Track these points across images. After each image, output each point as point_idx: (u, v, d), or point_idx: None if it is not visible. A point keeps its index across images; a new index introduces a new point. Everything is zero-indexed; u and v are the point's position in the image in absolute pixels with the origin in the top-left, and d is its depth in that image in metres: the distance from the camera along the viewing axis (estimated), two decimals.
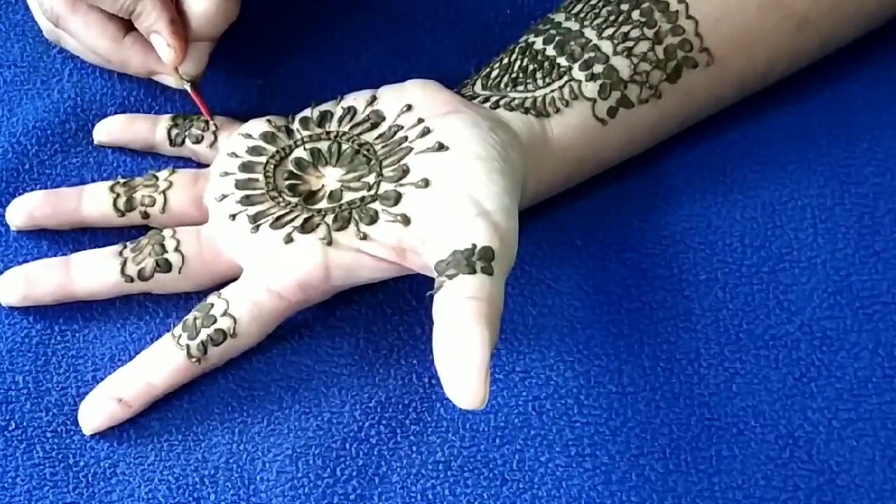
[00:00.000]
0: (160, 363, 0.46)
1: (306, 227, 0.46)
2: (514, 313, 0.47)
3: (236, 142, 0.50)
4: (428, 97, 0.48)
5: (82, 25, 0.50)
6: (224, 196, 0.48)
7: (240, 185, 0.48)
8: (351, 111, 0.49)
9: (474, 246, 0.43)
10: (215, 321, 0.46)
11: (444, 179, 0.45)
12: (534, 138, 0.48)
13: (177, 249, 0.47)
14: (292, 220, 0.47)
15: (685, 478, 0.45)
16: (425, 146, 0.47)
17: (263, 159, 0.49)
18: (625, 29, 0.49)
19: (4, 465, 0.45)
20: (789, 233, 0.50)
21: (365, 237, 0.46)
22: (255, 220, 0.47)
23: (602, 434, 0.46)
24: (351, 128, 0.49)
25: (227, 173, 0.49)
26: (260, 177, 0.48)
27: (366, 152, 0.48)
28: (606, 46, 0.49)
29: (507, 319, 0.47)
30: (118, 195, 0.49)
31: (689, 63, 0.49)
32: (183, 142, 0.51)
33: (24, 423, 0.46)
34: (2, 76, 0.54)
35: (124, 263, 0.47)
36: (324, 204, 0.47)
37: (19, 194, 0.51)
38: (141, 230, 0.49)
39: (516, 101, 0.48)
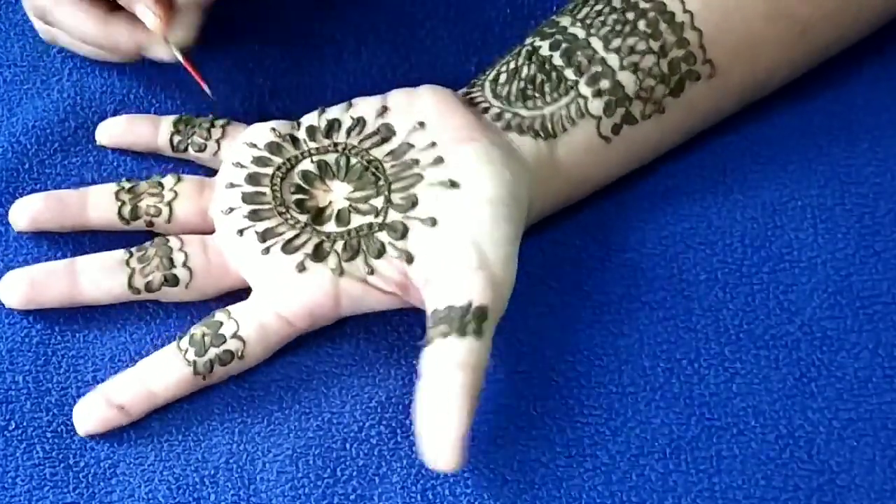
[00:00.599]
0: (164, 375, 0.46)
1: (318, 255, 0.46)
2: (515, 313, 0.47)
3: (241, 151, 0.49)
4: (443, 114, 0.48)
5: (68, 13, 0.50)
6: (231, 209, 0.48)
7: (247, 198, 0.48)
8: (360, 122, 0.49)
9: (470, 304, 0.45)
10: (224, 341, 0.46)
11: (452, 221, 0.46)
12: (541, 163, 0.48)
13: (185, 265, 0.47)
14: (303, 244, 0.47)
15: (685, 478, 0.45)
16: (436, 179, 0.47)
17: (270, 171, 0.48)
18: (631, 41, 0.49)
19: (4, 465, 0.45)
20: (789, 233, 0.50)
21: (372, 272, 0.46)
22: (264, 238, 0.47)
23: (602, 434, 0.46)
24: (360, 141, 0.49)
25: (233, 185, 0.48)
26: (267, 190, 0.48)
27: (374, 170, 0.48)
28: (613, 60, 0.48)
29: (508, 319, 0.46)
30: (123, 203, 0.49)
31: (693, 76, 0.49)
32: (186, 149, 0.51)
33: (25, 424, 0.46)
34: (1, 76, 0.54)
35: (132, 275, 0.47)
36: (332, 226, 0.47)
37: (19, 194, 0.51)
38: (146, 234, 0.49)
39: (526, 123, 0.48)
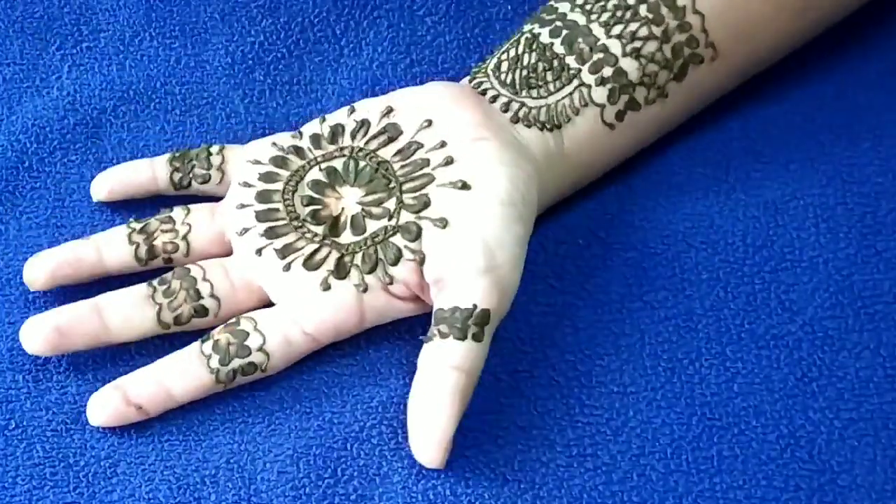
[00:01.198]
0: (186, 379, 0.46)
1: (340, 272, 0.46)
2: (516, 312, 0.47)
3: (246, 170, 0.49)
4: (451, 111, 0.48)
5: None
6: (246, 230, 0.48)
7: (260, 217, 0.48)
8: (364, 124, 0.49)
9: (475, 307, 0.45)
10: (249, 353, 0.46)
11: (463, 223, 0.46)
12: (548, 155, 0.48)
13: (212, 294, 0.47)
14: (324, 259, 0.47)
15: (686, 478, 0.45)
16: (447, 180, 0.47)
17: (279, 186, 0.48)
18: (633, 27, 0.48)
19: (4, 464, 0.45)
20: (791, 232, 0.50)
21: (391, 281, 0.46)
22: (284, 254, 0.47)
23: (603, 434, 0.46)
24: (366, 143, 0.49)
25: (244, 205, 0.48)
26: (279, 206, 0.48)
27: (384, 171, 0.48)
28: (615, 46, 0.48)
29: (510, 318, 0.46)
30: (138, 245, 0.48)
31: (696, 59, 0.49)
32: (189, 184, 0.50)
33: (25, 423, 0.46)
34: (1, 74, 0.54)
35: (160, 311, 0.47)
36: (348, 236, 0.47)
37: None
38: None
39: (533, 113, 0.48)
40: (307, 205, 0.48)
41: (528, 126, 0.48)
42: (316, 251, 0.47)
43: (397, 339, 0.48)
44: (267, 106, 0.53)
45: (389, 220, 0.47)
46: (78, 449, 0.46)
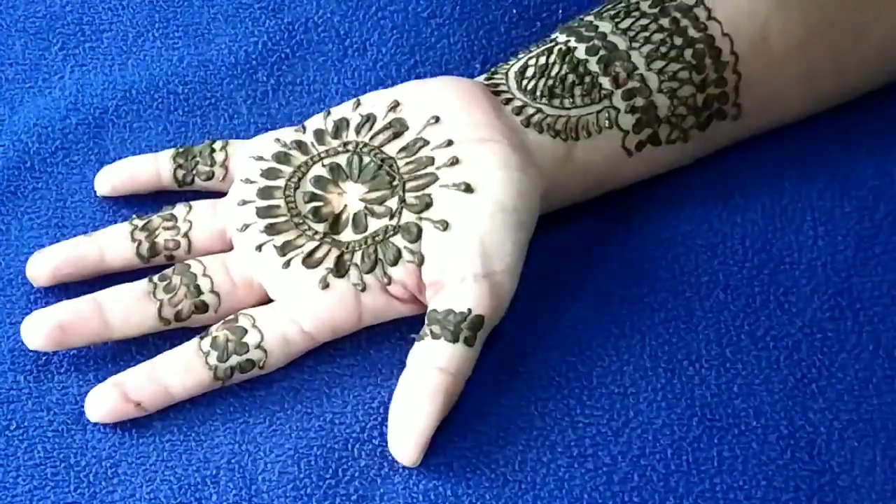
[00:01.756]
0: (183, 376, 0.46)
1: (339, 270, 0.46)
2: (516, 313, 0.47)
3: (249, 166, 0.49)
4: (459, 109, 0.48)
5: None
6: (246, 226, 0.48)
7: (261, 213, 0.48)
8: (370, 119, 0.49)
9: (469, 312, 0.45)
10: (248, 350, 0.46)
11: (464, 227, 0.46)
12: (557, 164, 0.48)
13: (212, 290, 0.47)
14: (324, 257, 0.47)
15: (686, 478, 0.45)
16: (451, 181, 0.47)
17: (281, 183, 0.48)
18: (674, 67, 0.48)
19: (6, 464, 0.45)
20: (790, 235, 0.50)
21: (390, 281, 0.46)
22: (284, 251, 0.47)
23: (604, 435, 0.46)
24: (371, 138, 0.48)
25: (245, 201, 0.48)
26: (281, 202, 0.48)
27: (388, 168, 0.48)
28: (652, 80, 0.48)
29: (510, 319, 0.47)
30: (140, 242, 0.48)
31: (721, 115, 0.49)
32: (192, 181, 0.50)
33: (26, 423, 0.46)
34: (3, 74, 0.54)
35: (160, 307, 0.47)
36: (349, 233, 0.47)
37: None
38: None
39: (548, 121, 0.48)
40: (309, 201, 0.48)
41: (540, 132, 0.48)
42: (316, 249, 0.47)
43: (398, 339, 0.48)
44: (270, 106, 0.53)
45: (391, 219, 0.47)
46: (79, 449, 0.45)
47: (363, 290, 0.46)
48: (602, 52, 0.49)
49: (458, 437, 0.46)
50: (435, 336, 0.45)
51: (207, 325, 0.47)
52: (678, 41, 0.49)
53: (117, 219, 0.50)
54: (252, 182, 0.48)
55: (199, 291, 0.47)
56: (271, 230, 0.47)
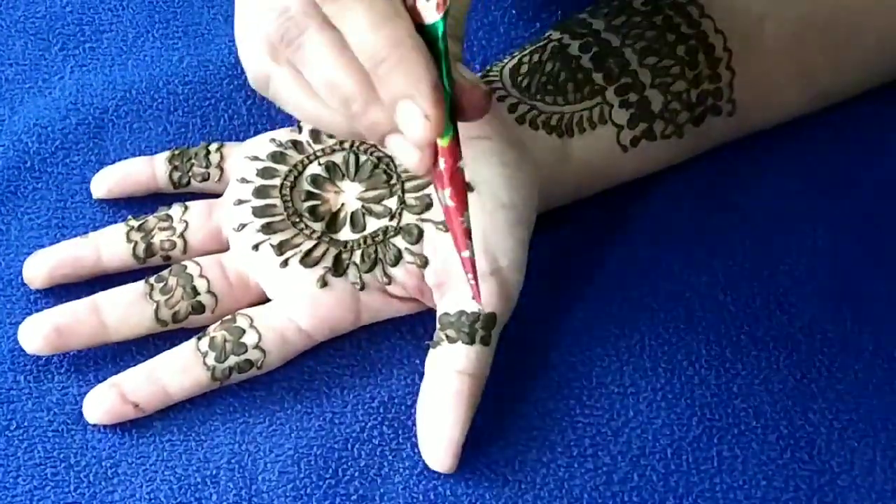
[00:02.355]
0: (181, 377, 0.46)
1: (338, 269, 0.46)
2: (517, 313, 0.47)
3: (244, 166, 0.49)
4: None
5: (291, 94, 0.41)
6: (243, 225, 0.47)
7: (257, 212, 0.48)
8: None
9: (480, 311, 0.45)
10: (245, 350, 0.46)
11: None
12: (552, 160, 0.48)
13: (208, 291, 0.47)
14: (322, 256, 0.47)
15: (686, 478, 0.45)
16: None
17: (277, 182, 0.48)
18: (666, 63, 0.49)
19: (6, 464, 0.45)
20: (790, 235, 0.50)
21: (390, 281, 0.46)
22: (281, 250, 0.47)
23: (604, 434, 0.46)
24: None
25: (241, 201, 0.48)
26: (277, 201, 0.48)
27: (385, 167, 0.48)
28: (645, 75, 0.48)
29: (512, 320, 0.46)
30: (136, 243, 0.48)
31: (715, 111, 0.49)
32: (188, 182, 0.50)
33: (26, 423, 0.46)
34: (3, 74, 0.54)
35: (157, 308, 0.46)
36: (347, 232, 0.47)
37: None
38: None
39: (542, 118, 0.48)
40: (305, 200, 0.48)
41: (535, 128, 0.48)
42: (314, 248, 0.47)
43: (398, 338, 0.48)
44: (270, 107, 0.52)
45: (391, 219, 0.47)
46: (79, 449, 0.45)
47: (361, 288, 0.46)
48: (595, 49, 0.49)
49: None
50: (451, 340, 0.45)
51: (205, 325, 0.47)
52: (670, 38, 0.49)
53: (117, 219, 0.50)
54: (248, 182, 0.48)
55: (196, 292, 0.47)
56: (268, 229, 0.47)
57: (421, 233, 0.47)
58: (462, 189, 0.40)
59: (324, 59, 0.39)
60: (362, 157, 0.48)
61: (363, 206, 0.48)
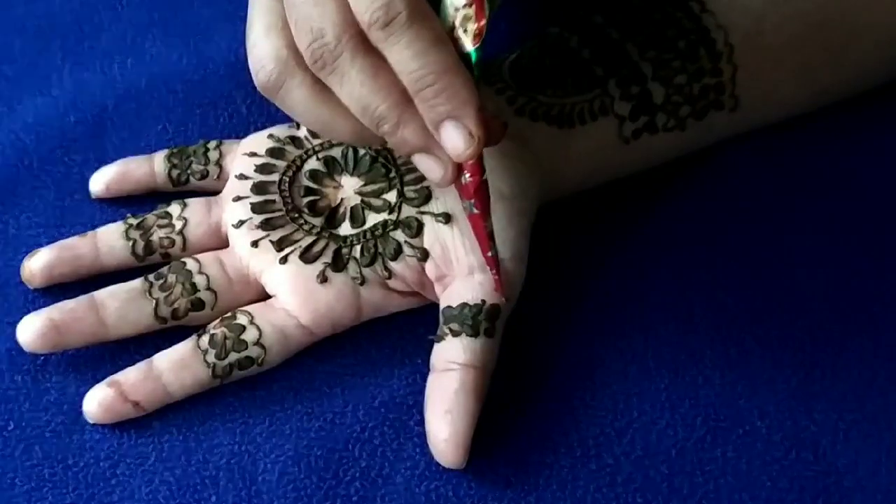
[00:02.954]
0: (183, 374, 0.45)
1: (338, 264, 0.46)
2: (519, 313, 0.47)
3: (242, 163, 0.49)
4: None
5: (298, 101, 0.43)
6: (242, 222, 0.47)
7: (256, 208, 0.47)
8: None
9: (483, 303, 0.45)
10: (246, 347, 0.46)
11: (465, 218, 0.45)
12: (552, 151, 0.48)
13: (208, 287, 0.47)
14: (322, 251, 0.46)
15: (690, 479, 0.45)
16: None
17: (276, 177, 0.48)
18: (667, 56, 0.49)
19: (3, 465, 0.45)
20: (792, 235, 0.50)
21: (390, 275, 0.46)
22: (281, 246, 0.47)
23: (607, 435, 0.46)
24: None
25: (240, 197, 0.48)
26: (276, 197, 0.48)
27: (384, 160, 0.48)
28: (646, 68, 0.48)
29: (512, 320, 0.46)
30: (135, 241, 0.48)
31: (717, 105, 0.49)
32: (187, 180, 0.50)
33: (24, 423, 0.46)
34: (2, 72, 0.54)
35: (157, 305, 0.46)
36: (347, 228, 0.47)
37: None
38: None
39: (542, 109, 0.48)
40: (304, 195, 0.48)
41: (535, 120, 0.48)
42: (313, 243, 0.47)
43: (399, 338, 0.48)
44: (269, 105, 0.51)
45: (390, 213, 0.47)
46: (77, 450, 0.45)
47: (362, 283, 0.46)
48: (595, 43, 0.49)
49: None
50: (455, 333, 0.45)
51: (205, 323, 0.47)
52: (671, 32, 0.49)
53: (116, 218, 0.50)
54: (247, 178, 0.48)
55: (195, 289, 0.47)
56: (267, 225, 0.47)
57: (421, 226, 0.46)
58: (486, 200, 0.43)
59: (358, 84, 0.41)
60: (360, 151, 0.48)
61: (362, 201, 0.48)
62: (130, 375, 0.45)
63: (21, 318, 0.46)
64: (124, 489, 0.45)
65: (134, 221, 0.48)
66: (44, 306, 0.47)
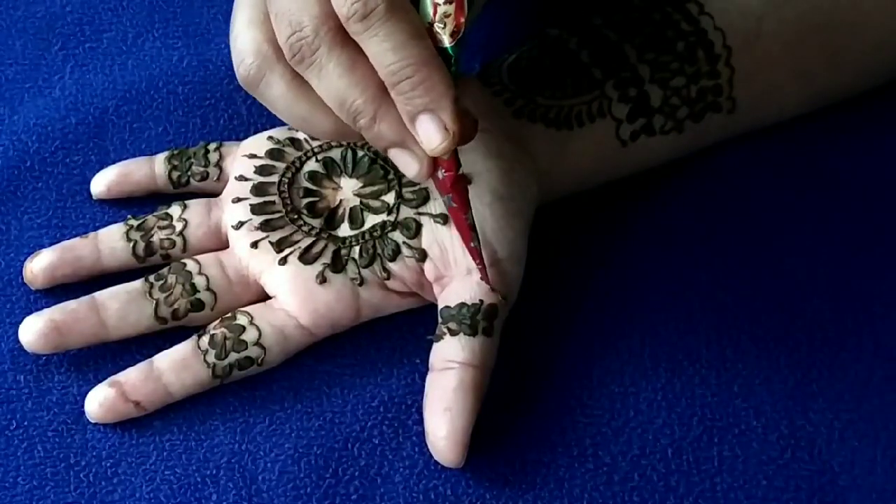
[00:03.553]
0: (183, 374, 0.46)
1: (337, 265, 0.46)
2: (516, 313, 0.47)
3: (242, 164, 0.49)
4: None
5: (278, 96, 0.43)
6: (241, 223, 0.47)
7: (256, 209, 0.48)
8: None
9: (481, 302, 0.45)
10: (246, 347, 0.46)
11: None
12: (551, 153, 0.48)
13: (208, 288, 0.47)
14: (321, 252, 0.47)
15: (687, 478, 0.45)
16: None
17: (275, 179, 0.48)
18: (665, 58, 0.49)
19: (5, 464, 0.45)
20: (790, 235, 0.51)
21: (389, 276, 0.46)
22: (280, 247, 0.47)
23: (604, 434, 0.46)
24: None
25: (240, 199, 0.48)
26: (276, 198, 0.48)
27: (383, 162, 0.48)
28: (644, 70, 0.49)
29: (510, 319, 0.47)
30: (135, 242, 0.48)
31: (715, 108, 0.50)
32: (188, 182, 0.50)
33: (26, 423, 0.46)
34: (3, 73, 0.54)
35: (157, 306, 0.46)
36: (346, 229, 0.47)
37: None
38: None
39: (540, 111, 0.48)
40: (304, 197, 0.48)
41: (533, 122, 0.48)
42: (312, 244, 0.47)
43: (398, 338, 0.48)
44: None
45: (388, 214, 0.47)
46: (79, 449, 0.45)
47: (361, 284, 0.46)
48: (593, 44, 0.49)
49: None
50: (453, 332, 0.45)
51: (205, 323, 0.47)
52: (669, 34, 0.49)
53: (118, 219, 0.50)
54: (246, 179, 0.48)
55: (195, 290, 0.47)
56: (267, 226, 0.47)
57: (419, 227, 0.47)
58: (464, 193, 0.44)
59: (335, 77, 0.41)
60: (359, 153, 0.48)
61: (361, 202, 0.48)
62: (131, 375, 0.46)
63: (22, 319, 0.47)
64: (125, 488, 0.45)
65: (135, 223, 0.49)
66: (45, 307, 0.47)
